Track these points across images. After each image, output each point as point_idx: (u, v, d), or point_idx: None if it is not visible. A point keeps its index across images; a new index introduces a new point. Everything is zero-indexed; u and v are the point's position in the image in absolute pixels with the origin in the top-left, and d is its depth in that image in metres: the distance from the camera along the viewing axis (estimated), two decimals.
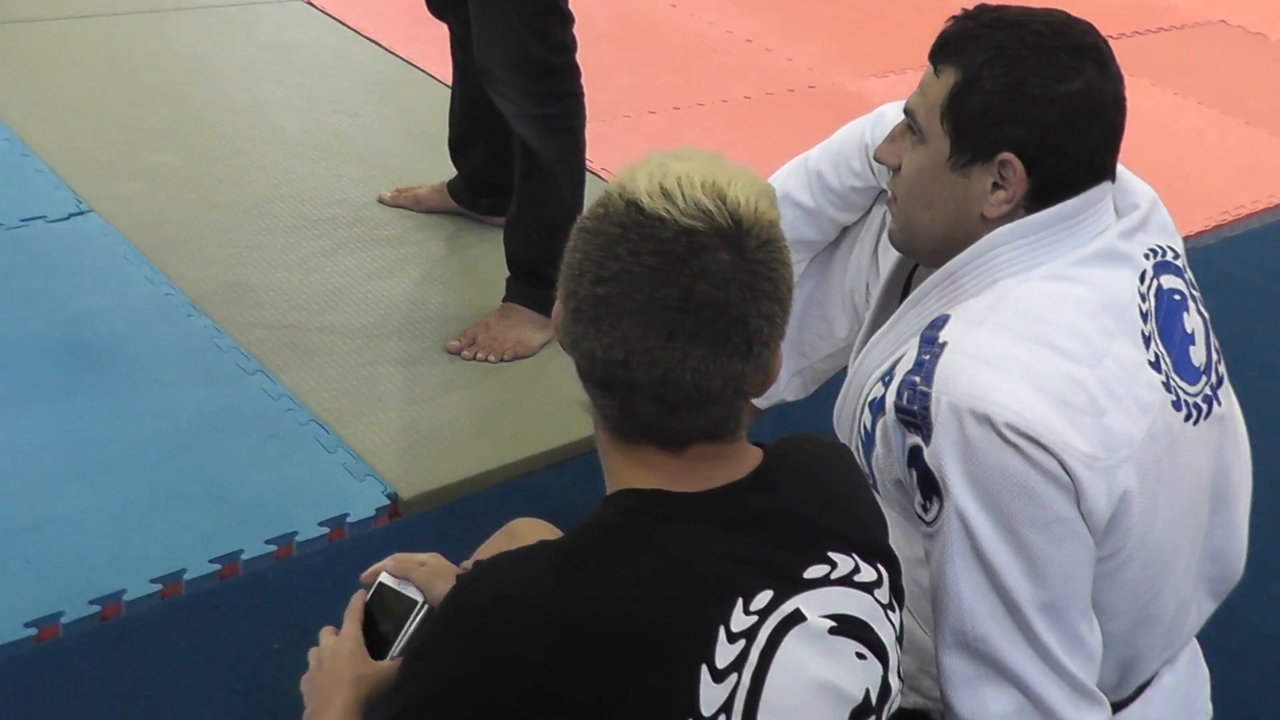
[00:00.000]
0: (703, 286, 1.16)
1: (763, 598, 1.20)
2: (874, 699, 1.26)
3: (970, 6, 1.59)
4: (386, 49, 3.89)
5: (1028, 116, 1.49)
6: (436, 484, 2.25)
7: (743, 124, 3.81)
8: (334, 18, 4.05)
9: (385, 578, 1.51)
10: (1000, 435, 1.41)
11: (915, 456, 1.48)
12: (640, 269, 1.17)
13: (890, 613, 1.31)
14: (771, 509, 1.25)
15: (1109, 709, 1.55)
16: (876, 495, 1.69)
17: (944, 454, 1.44)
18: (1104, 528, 1.47)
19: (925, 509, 1.50)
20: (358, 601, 1.50)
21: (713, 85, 4.03)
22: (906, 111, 1.59)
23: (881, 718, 1.29)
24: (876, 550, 1.32)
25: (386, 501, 2.20)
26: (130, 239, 2.79)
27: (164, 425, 2.30)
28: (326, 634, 1.49)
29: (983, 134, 1.51)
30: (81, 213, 2.86)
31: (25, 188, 2.92)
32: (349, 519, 2.16)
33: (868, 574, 1.29)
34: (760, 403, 2.18)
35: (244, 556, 2.07)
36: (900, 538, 1.74)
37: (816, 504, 1.30)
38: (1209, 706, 1.84)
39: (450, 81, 2.99)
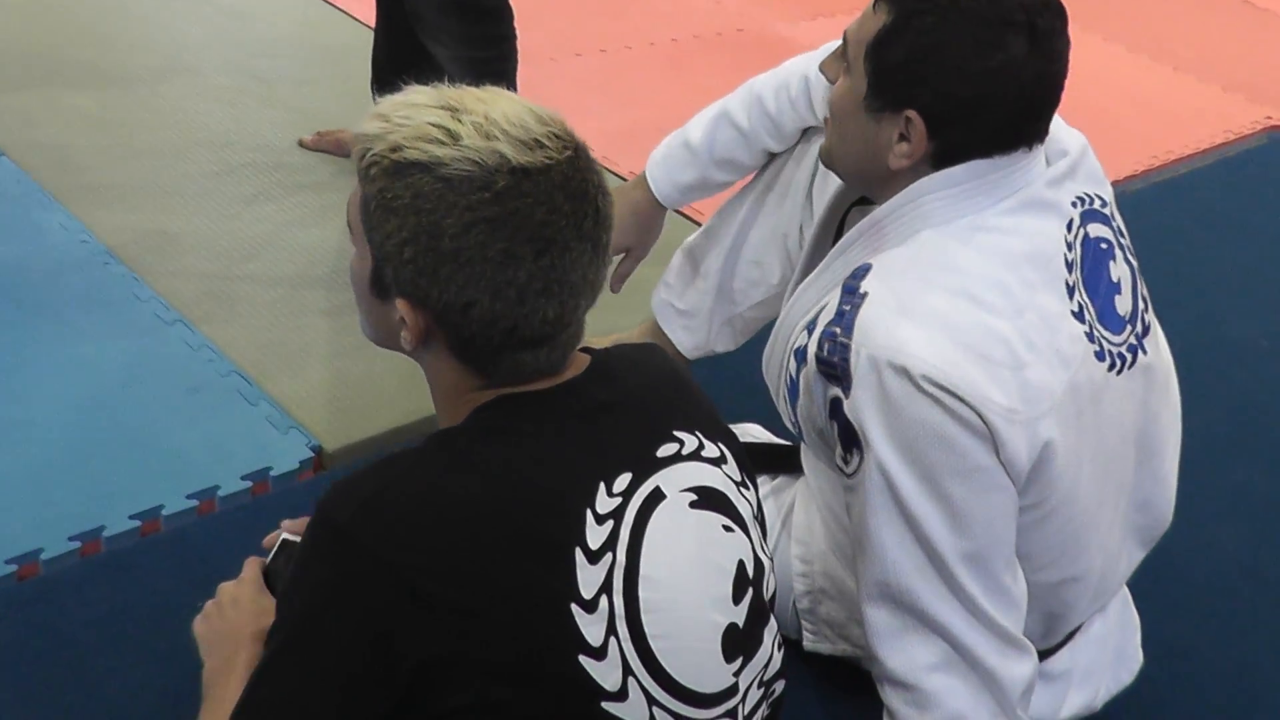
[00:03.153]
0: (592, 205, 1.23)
1: (623, 480, 1.23)
2: (749, 571, 1.30)
3: None
4: None
5: (938, 84, 1.47)
6: (362, 436, 2.22)
7: (671, 67, 3.77)
8: None
9: (286, 535, 1.48)
10: (918, 387, 1.41)
11: (836, 408, 1.48)
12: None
13: (744, 490, 1.35)
14: (613, 398, 1.28)
15: (1035, 656, 1.56)
16: (803, 444, 1.68)
17: (863, 406, 1.44)
18: (1026, 478, 1.47)
19: (846, 461, 1.50)
20: (256, 558, 1.50)
21: (640, 28, 3.99)
22: (844, 36, 1.57)
23: (762, 594, 1.32)
24: (716, 428, 1.36)
25: (311, 454, 2.16)
26: (45, 185, 2.71)
27: (81, 378, 2.25)
28: (225, 586, 1.46)
29: (895, 87, 1.49)
30: None
31: None
32: (272, 473, 2.12)
33: (712, 450, 1.32)
34: (690, 353, 2.17)
35: (165, 512, 2.02)
36: (827, 487, 1.74)
37: (652, 390, 1.33)
38: (1139, 654, 1.86)
39: (371, 22, 2.92)
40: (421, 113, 1.20)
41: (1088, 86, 3.91)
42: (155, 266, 2.53)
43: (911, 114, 1.48)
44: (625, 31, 3.94)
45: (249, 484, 2.09)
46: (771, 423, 1.93)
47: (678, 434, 1.30)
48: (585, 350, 1.32)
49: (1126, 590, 1.83)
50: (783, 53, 3.91)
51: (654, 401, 1.32)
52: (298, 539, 1.45)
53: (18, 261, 2.50)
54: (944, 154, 1.50)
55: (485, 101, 1.22)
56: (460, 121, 1.19)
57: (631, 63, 3.76)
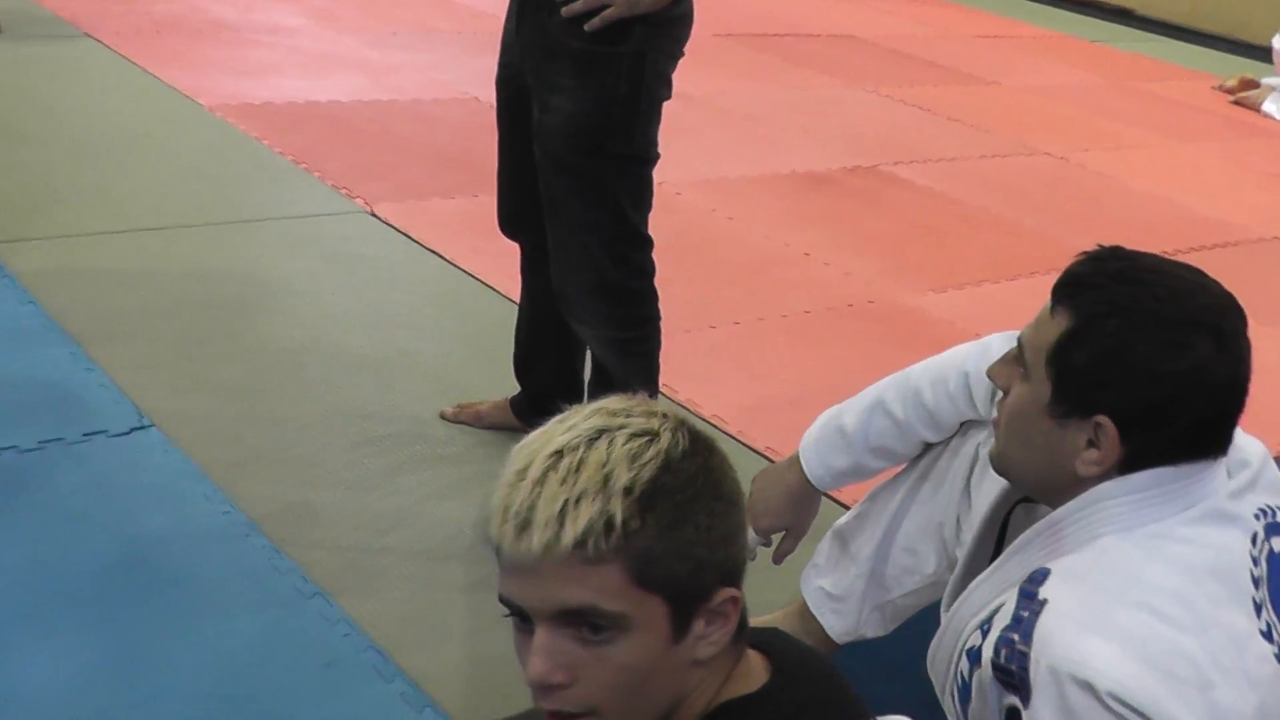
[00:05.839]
0: None
1: None
2: None
3: (1104, 245, 1.55)
4: (450, 261, 3.90)
5: (1127, 388, 1.45)
6: (499, 715, 2.16)
7: (803, 339, 3.79)
8: (398, 229, 4.08)
9: None
10: (1103, 704, 1.35)
11: (1013, 718, 1.42)
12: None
13: None
14: (808, 698, 1.27)
15: None
16: None
17: (1044, 719, 1.38)
18: None
19: None
20: None
21: (772, 299, 4.03)
22: (1019, 341, 1.56)
23: None
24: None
25: None
26: (191, 455, 2.76)
27: (217, 652, 2.24)
28: None
29: (1082, 392, 1.47)
30: (143, 427, 2.84)
31: (88, 402, 2.91)
32: None
33: None
34: (839, 637, 2.13)
35: None
36: None
37: (827, 684, 1.31)
38: None
39: (514, 296, 2.98)
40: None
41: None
42: (296, 538, 2.54)
43: (1103, 419, 1.45)
44: (758, 303, 3.98)
45: None
46: (919, 713, 1.86)
47: None
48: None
49: None
50: (914, 325, 3.95)
51: (834, 696, 1.30)
52: None
53: (162, 532, 2.52)
54: (1133, 460, 1.46)
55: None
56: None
57: (765, 334, 3.78)
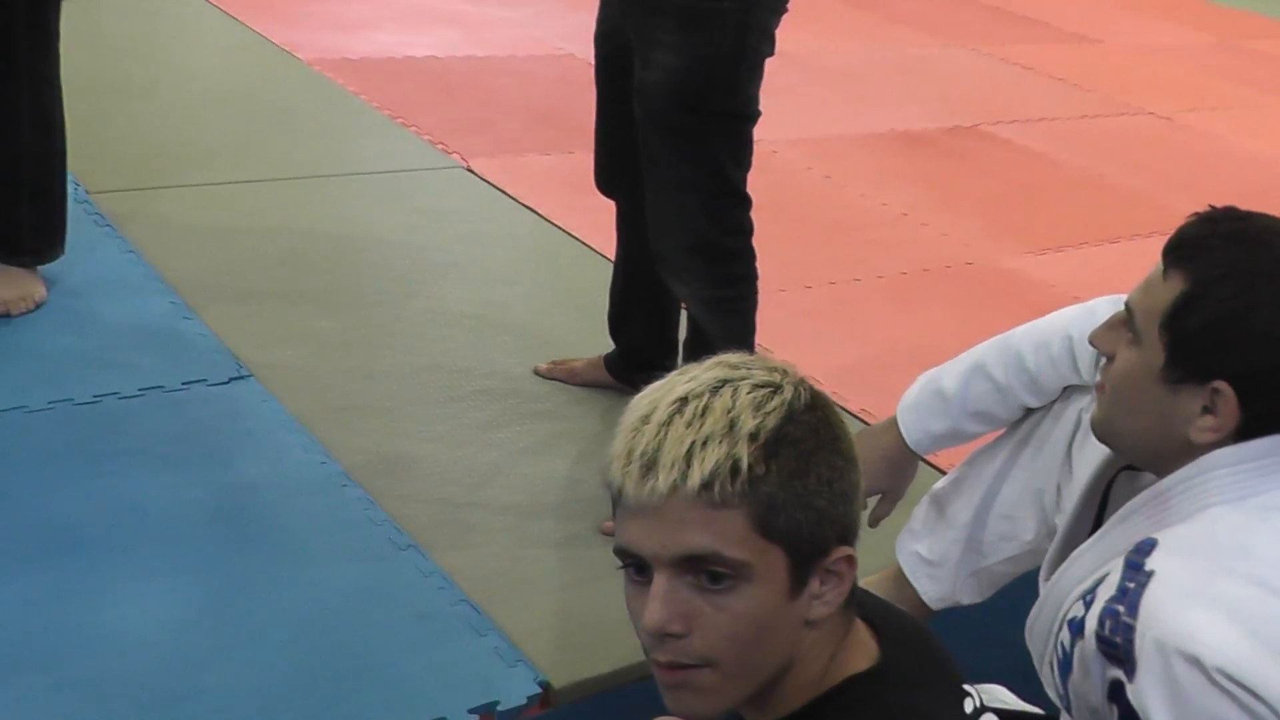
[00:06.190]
0: None
1: None
2: None
3: (1216, 206, 1.51)
4: (545, 218, 3.90)
5: (1248, 351, 1.41)
6: (591, 674, 2.17)
7: (900, 301, 3.74)
8: (494, 185, 4.09)
9: None
10: (1211, 679, 1.31)
11: (1117, 691, 1.39)
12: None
13: None
14: (917, 664, 1.26)
15: None
16: (1064, 717, 1.59)
17: (1149, 694, 1.35)
18: None
19: None
20: None
21: (868, 260, 3.99)
22: (1127, 306, 1.52)
23: None
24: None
25: (538, 690, 2.12)
26: (287, 405, 2.79)
27: (312, 600, 2.26)
28: None
29: (1199, 356, 1.43)
30: (241, 377, 2.87)
31: (188, 351, 2.95)
32: (500, 707, 2.08)
33: (978, 697, 1.31)
34: (934, 603, 2.11)
35: None
36: None
37: (930, 646, 1.31)
38: None
39: (608, 253, 2.97)
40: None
41: None
42: (390, 490, 2.56)
43: (1221, 385, 1.41)
44: (854, 263, 3.94)
45: (475, 718, 2.06)
46: (1013, 682, 1.83)
47: (966, 688, 1.29)
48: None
49: None
50: (1013, 288, 3.89)
51: (938, 664, 1.30)
52: None
53: (258, 481, 2.55)
54: (1248, 427, 1.43)
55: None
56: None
57: (861, 295, 3.75)
